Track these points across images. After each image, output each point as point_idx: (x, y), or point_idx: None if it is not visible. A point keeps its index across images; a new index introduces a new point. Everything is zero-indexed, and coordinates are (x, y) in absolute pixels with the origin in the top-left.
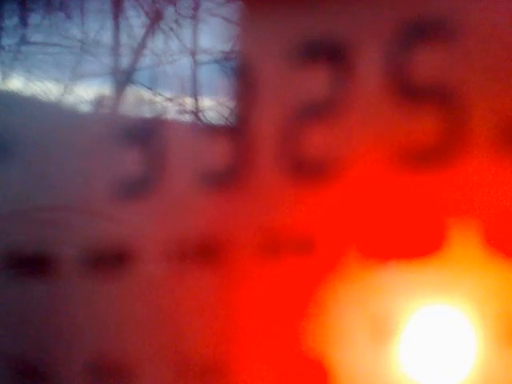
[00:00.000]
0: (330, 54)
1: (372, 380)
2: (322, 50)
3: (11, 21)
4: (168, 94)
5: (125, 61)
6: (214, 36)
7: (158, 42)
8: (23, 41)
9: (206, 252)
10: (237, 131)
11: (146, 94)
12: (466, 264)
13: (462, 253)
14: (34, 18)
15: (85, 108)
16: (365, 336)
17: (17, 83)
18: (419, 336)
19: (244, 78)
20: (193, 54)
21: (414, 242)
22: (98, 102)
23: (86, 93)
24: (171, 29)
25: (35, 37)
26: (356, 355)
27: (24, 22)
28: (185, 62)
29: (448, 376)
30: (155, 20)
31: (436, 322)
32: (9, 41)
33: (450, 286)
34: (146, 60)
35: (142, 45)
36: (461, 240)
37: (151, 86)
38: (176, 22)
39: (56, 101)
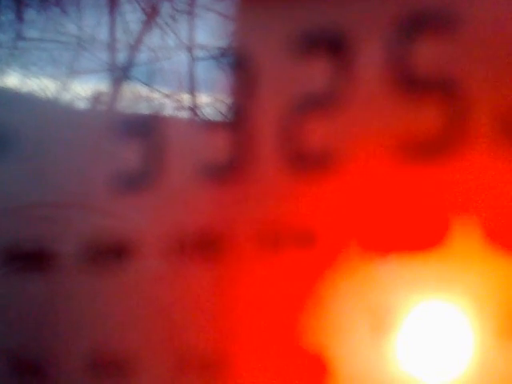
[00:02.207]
0: (330, 46)
1: (372, 374)
2: (322, 42)
3: (7, 16)
4: (165, 90)
5: (121, 57)
6: (211, 31)
7: (154, 38)
8: (19, 36)
9: (205, 246)
10: (236, 124)
11: (143, 90)
12: (467, 258)
13: (463, 247)
14: (30, 14)
15: (82, 104)
16: (365, 330)
17: (13, 79)
18: (419, 330)
19: (243, 70)
20: (190, 49)
21: (414, 236)
22: (95, 97)
23: (82, 89)
24: (168, 24)
25: (31, 32)
26: (356, 349)
27: (20, 18)
28: (182, 57)
29: (447, 370)
30: (152, 15)
31: (436, 316)
32: (4, 37)
33: (450, 280)
34: (142, 56)
35: (139, 40)
36: (462, 234)
37: (148, 82)
38: (172, 17)
39: (52, 97)
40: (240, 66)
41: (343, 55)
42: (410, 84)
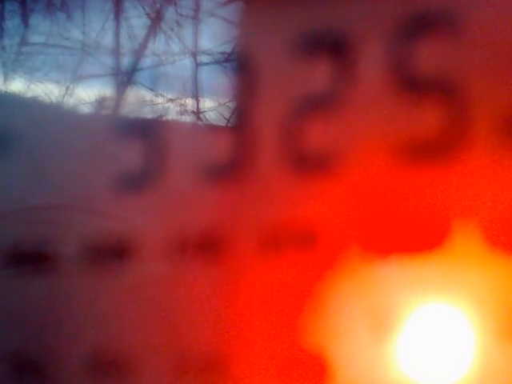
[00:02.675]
0: (332, 49)
1: (372, 374)
2: (324, 44)
3: (12, 22)
4: (169, 95)
5: (126, 62)
6: (214, 36)
7: (158, 43)
8: (24, 42)
9: (207, 247)
10: (238, 125)
11: (147, 95)
12: (467, 259)
13: (464, 248)
14: (35, 19)
15: (86, 108)
16: (365, 330)
17: (18, 84)
18: (419, 331)
19: (246, 71)
20: (193, 54)
21: (415, 237)
22: (99, 102)
23: (86, 93)
24: (172, 30)
25: (36, 38)
26: (356, 350)
27: (25, 23)
28: (186, 62)
29: (448, 372)
30: (156, 21)
31: (436, 317)
32: (10, 42)
33: (450, 281)
34: (146, 61)
35: (143, 46)
36: (462, 235)
37: (152, 87)
38: (177, 22)
39: (57, 101)
40: (243, 69)
41: (345, 57)
42: (412, 85)
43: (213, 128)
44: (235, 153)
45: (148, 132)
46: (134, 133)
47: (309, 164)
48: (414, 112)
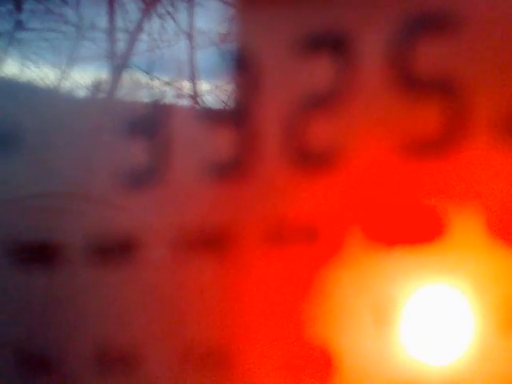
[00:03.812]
0: (334, 45)
1: (376, 365)
2: (326, 41)
3: (6, 6)
4: (166, 78)
5: (121, 45)
6: (211, 19)
7: (154, 26)
8: (19, 26)
9: (211, 241)
10: (241, 121)
11: (144, 78)
12: (469, 250)
13: (465, 239)
14: (30, 4)
15: (82, 93)
16: (368, 322)
17: (13, 69)
18: (422, 321)
19: (248, 68)
20: (190, 37)
21: (417, 229)
22: (95, 86)
23: (82, 78)
24: (168, 12)
25: (31, 22)
26: (360, 340)
27: (19, 8)
28: (182, 45)
29: (450, 361)
30: (151, 3)
31: (438, 307)
32: (4, 27)
33: (452, 271)
34: (142, 44)
35: (139, 29)
36: (463, 226)
37: (148, 70)
38: (173, 5)
39: (53, 86)
40: (246, 60)
41: (347, 54)
42: (412, 83)
43: (216, 120)
44: (239, 148)
45: (151, 121)
46: (138, 121)
47: (312, 159)
48: (415, 109)
